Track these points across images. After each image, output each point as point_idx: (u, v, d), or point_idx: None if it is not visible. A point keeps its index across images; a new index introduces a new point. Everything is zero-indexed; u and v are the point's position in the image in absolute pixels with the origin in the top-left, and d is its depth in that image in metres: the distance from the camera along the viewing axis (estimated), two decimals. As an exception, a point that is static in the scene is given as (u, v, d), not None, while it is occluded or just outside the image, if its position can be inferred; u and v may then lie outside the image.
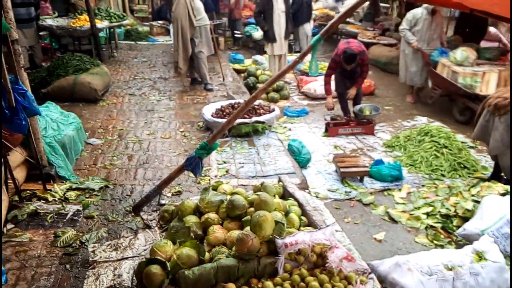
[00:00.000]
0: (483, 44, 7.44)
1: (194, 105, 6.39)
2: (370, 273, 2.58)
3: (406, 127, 5.92)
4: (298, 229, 3.00)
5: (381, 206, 3.94)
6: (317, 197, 4.04)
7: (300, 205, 3.31)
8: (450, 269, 2.76)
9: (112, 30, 9.85)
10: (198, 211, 3.08)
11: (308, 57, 3.08)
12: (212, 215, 2.98)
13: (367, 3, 12.16)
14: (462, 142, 5.02)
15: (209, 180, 4.01)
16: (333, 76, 5.83)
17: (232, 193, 3.20)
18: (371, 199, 4.04)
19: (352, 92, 5.74)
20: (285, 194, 3.53)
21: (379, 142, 5.43)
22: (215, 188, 3.36)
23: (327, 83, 5.76)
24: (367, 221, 3.73)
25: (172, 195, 3.72)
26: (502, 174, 4.24)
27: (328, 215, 3.55)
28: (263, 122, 5.18)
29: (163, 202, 3.51)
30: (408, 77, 7.06)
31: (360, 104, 5.82)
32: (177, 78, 7.67)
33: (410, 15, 6.70)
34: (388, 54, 9.10)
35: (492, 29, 7.90)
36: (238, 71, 8.68)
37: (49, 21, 7.92)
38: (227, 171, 4.22)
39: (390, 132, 5.73)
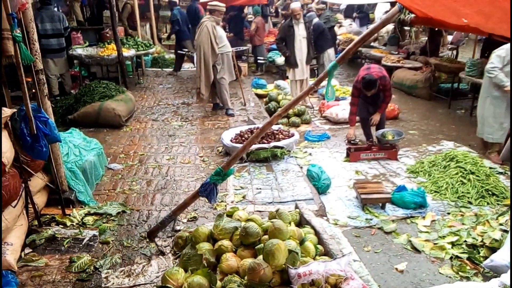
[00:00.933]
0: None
1: (215, 130, 6.45)
2: (387, 307, 2.45)
3: (431, 152, 5.74)
4: (314, 258, 2.91)
5: (403, 234, 3.78)
6: (336, 224, 3.93)
7: (317, 233, 3.23)
8: (476, 304, 2.59)
9: (139, 58, 10.19)
10: (212, 238, 3.06)
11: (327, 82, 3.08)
12: (226, 242, 2.94)
13: (391, 27, 12.14)
14: (490, 168, 4.81)
15: (226, 205, 3.99)
16: None
17: (247, 220, 3.16)
18: (393, 227, 3.89)
19: (376, 118, 5.68)
20: (302, 221, 3.45)
21: (402, 167, 5.27)
22: (230, 214, 3.33)
23: (351, 113, 5.73)
24: (388, 250, 3.58)
25: (188, 221, 3.71)
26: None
27: (346, 244, 3.43)
28: (282, 147, 5.15)
29: (178, 228, 3.50)
30: (489, 131, 5.52)
31: (383, 129, 5.71)
32: (199, 103, 7.80)
33: (502, 51, 5.01)
34: (413, 77, 8.96)
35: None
36: (260, 96, 8.75)
37: (79, 51, 8.29)
38: (244, 197, 4.18)
39: (414, 157, 5.57)
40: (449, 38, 11.51)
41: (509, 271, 2.86)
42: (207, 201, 3.22)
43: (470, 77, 7.12)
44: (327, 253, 3.02)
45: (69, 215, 3.64)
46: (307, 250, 2.95)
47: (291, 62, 7.72)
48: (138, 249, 3.26)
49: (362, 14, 15.79)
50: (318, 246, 3.09)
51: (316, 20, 9.26)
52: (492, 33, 1.85)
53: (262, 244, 2.78)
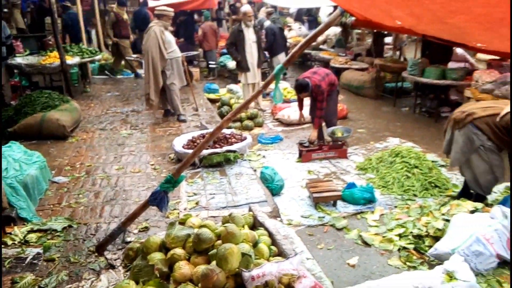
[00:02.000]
0: (451, 65, 7.68)
1: (167, 137, 6.34)
2: (339, 302, 2.51)
3: (378, 149, 5.98)
4: (268, 260, 2.93)
5: (354, 230, 3.90)
6: (290, 224, 3.99)
7: (270, 235, 3.25)
8: (422, 292, 2.72)
9: (84, 65, 9.82)
10: (164, 247, 2.99)
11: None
12: (179, 251, 2.89)
13: (339, 30, 12.55)
14: (432, 161, 5.07)
15: (178, 213, 3.92)
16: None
17: (200, 226, 3.12)
18: (344, 223, 4.00)
19: (313, 134, 5.72)
20: (256, 224, 3.46)
21: (352, 165, 5.45)
22: (183, 222, 3.27)
23: (317, 116, 5.73)
24: (340, 246, 3.68)
25: (139, 231, 3.61)
26: (472, 191, 4.28)
27: (299, 243, 3.48)
28: (235, 151, 5.16)
29: (128, 239, 3.39)
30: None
31: (333, 127, 5.87)
32: (149, 110, 7.63)
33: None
34: (360, 78, 9.30)
35: (459, 50, 8.18)
36: (213, 101, 8.72)
37: (18, 60, 7.86)
38: (197, 203, 4.13)
39: (363, 155, 5.77)
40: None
41: (451, 257, 3.03)
42: (158, 210, 3.15)
43: (412, 76, 7.51)
44: (281, 254, 3.05)
45: (10, 233, 3.42)
46: (261, 252, 2.96)
47: (242, 66, 7.76)
48: (86, 265, 3.12)
49: (311, 18, 16.21)
50: (272, 247, 3.11)
51: (268, 23, 9.40)
52: (424, 34, 1.95)
53: (215, 250, 2.76)
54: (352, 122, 7.33)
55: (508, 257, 3.18)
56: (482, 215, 3.46)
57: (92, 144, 6.02)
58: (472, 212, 3.62)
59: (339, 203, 4.36)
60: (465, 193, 4.23)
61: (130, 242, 3.31)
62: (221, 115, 7.34)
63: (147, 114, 7.67)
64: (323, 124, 5.95)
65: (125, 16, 10.81)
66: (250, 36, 7.70)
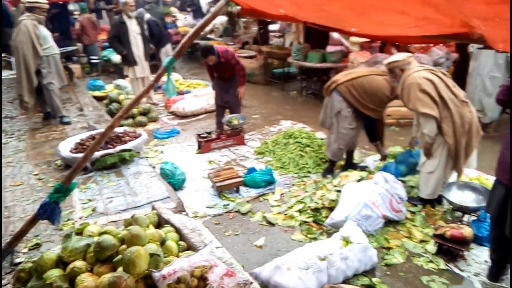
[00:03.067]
0: (329, 48, 8.32)
1: (50, 142, 5.76)
2: (251, 283, 2.60)
3: (273, 132, 6.25)
4: (177, 256, 2.89)
5: (258, 212, 4.06)
6: (196, 216, 3.98)
7: (177, 230, 3.20)
8: (323, 259, 2.96)
9: None
10: (62, 262, 2.75)
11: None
12: (79, 263, 2.68)
13: (226, 19, 12.66)
14: (321, 139, 5.49)
15: (74, 223, 3.63)
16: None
17: (101, 234, 2.93)
18: (248, 208, 4.14)
19: (241, 91, 5.93)
20: (161, 222, 3.38)
21: (250, 150, 5.62)
22: (79, 232, 3.04)
23: (211, 78, 6.10)
24: (247, 229, 3.80)
25: (30, 250, 3.26)
26: (355, 162, 4.77)
27: (207, 233, 3.50)
28: (130, 150, 4.92)
29: (18, 260, 3.04)
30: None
31: (229, 115, 5.97)
32: (25, 115, 6.84)
33: None
34: (249, 65, 9.50)
35: (334, 35, 8.86)
36: (99, 99, 8.15)
37: None
38: (94, 210, 3.87)
39: (259, 140, 5.98)
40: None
41: (345, 224, 3.34)
42: (49, 223, 2.87)
43: (297, 61, 7.96)
44: (190, 247, 3.03)
45: None
46: (170, 249, 2.90)
47: (129, 60, 7.36)
48: (-32, 298, 2.73)
49: (195, 7, 16.03)
50: (181, 242, 3.07)
51: (148, 16, 9.06)
52: (305, 20, 2.07)
53: (120, 255, 2.63)
54: (247, 109, 7.52)
55: (392, 216, 3.63)
56: (367, 182, 3.87)
57: (-43, 160, 5.20)
58: (359, 181, 4.03)
59: (242, 188, 4.48)
60: (350, 164, 4.69)
61: (20, 263, 2.97)
62: (111, 113, 6.92)
63: (23, 119, 6.86)
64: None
65: None
66: (133, 27, 7.32)
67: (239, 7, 2.97)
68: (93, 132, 5.37)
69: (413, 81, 3.50)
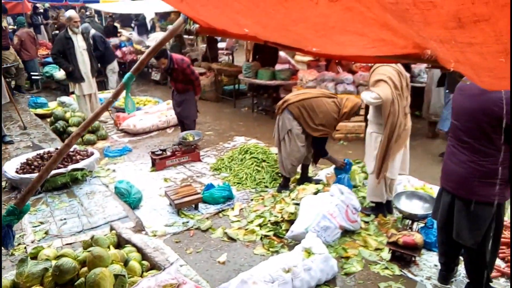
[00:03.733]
0: (277, 67, 8.58)
1: (-9, 163, 5.38)
2: (220, 299, 2.61)
3: (227, 148, 6.31)
4: (141, 276, 2.83)
5: (219, 228, 4.06)
6: (155, 235, 3.90)
7: (139, 250, 3.14)
8: (288, 271, 3.03)
9: None
10: (16, 290, 2.59)
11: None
12: (36, 289, 2.54)
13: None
14: (276, 154, 5.60)
15: (25, 247, 3.41)
16: None
17: (58, 257, 2.81)
18: (208, 224, 4.13)
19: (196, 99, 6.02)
20: (121, 242, 3.29)
21: (206, 167, 5.62)
22: (34, 256, 2.89)
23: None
24: (208, 246, 3.79)
25: (-23, 279, 3.01)
26: (310, 175, 4.95)
27: (170, 252, 3.46)
28: (82, 169, 4.73)
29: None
30: None
31: (184, 132, 5.94)
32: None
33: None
34: (200, 82, 9.55)
35: (281, 54, 9.18)
36: (42, 116, 7.74)
37: None
38: (46, 233, 3.66)
39: (215, 156, 6.01)
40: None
41: (306, 236, 3.45)
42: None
43: (248, 78, 8.13)
44: (154, 267, 2.98)
45: None
46: (133, 270, 2.84)
47: (75, 76, 7.09)
48: None
49: (139, 22, 15.87)
50: (144, 262, 3.01)
51: (93, 31, 8.84)
52: (267, 40, 2.17)
53: (82, 278, 2.54)
54: (199, 125, 7.50)
55: (348, 226, 3.80)
56: (323, 194, 4.03)
57: None
58: (316, 193, 4.18)
59: (201, 205, 4.46)
60: (305, 178, 4.85)
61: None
62: (57, 131, 6.60)
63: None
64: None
65: None
66: (79, 43, 7.09)
67: (197, 25, 3.03)
68: (40, 152, 5.08)
69: (384, 71, 3.75)
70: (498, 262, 3.30)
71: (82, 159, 4.92)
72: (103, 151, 6.10)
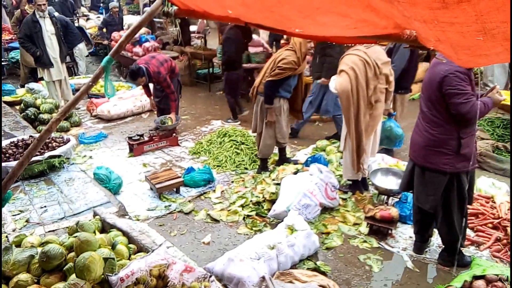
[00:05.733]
0: (251, 49, 8.57)
1: (-40, 153, 5.18)
2: (210, 276, 2.69)
3: (205, 132, 6.32)
4: (129, 259, 2.86)
5: (201, 210, 4.13)
6: (138, 220, 3.92)
7: (125, 234, 3.15)
8: (273, 248, 3.14)
9: None
10: (3, 277, 2.56)
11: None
12: (23, 276, 2.53)
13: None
14: (254, 136, 5.69)
15: (7, 236, 3.36)
16: None
17: (43, 244, 2.79)
18: (191, 207, 4.18)
19: (172, 117, 5.81)
20: (105, 227, 3.29)
21: (185, 151, 5.63)
22: (18, 244, 2.85)
23: (148, 95, 6.16)
24: (192, 228, 3.85)
25: (-42, 269, 2.96)
26: (288, 156, 5.05)
27: (156, 234, 3.49)
28: (59, 156, 4.64)
29: None
30: None
31: (160, 117, 5.90)
32: None
33: None
34: (173, 66, 9.43)
35: (255, 37, 9.16)
36: (11, 104, 7.45)
37: None
38: (27, 221, 3.61)
39: (193, 140, 6.01)
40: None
41: (288, 214, 3.56)
42: (-17, 237, 2.66)
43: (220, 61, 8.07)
44: (141, 249, 3.02)
45: None
46: (121, 253, 2.86)
47: (44, 61, 6.86)
48: None
49: (106, 5, 15.37)
50: (130, 245, 3.04)
51: (57, 14, 8.51)
52: (249, 21, 2.20)
53: (71, 263, 2.54)
54: (175, 110, 7.47)
55: (327, 203, 3.95)
56: (303, 174, 4.15)
57: None
58: (295, 173, 4.29)
59: (182, 189, 4.50)
60: (284, 159, 4.95)
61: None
62: (28, 118, 6.39)
63: None
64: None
65: None
66: (48, 27, 6.84)
67: (176, 8, 3.02)
68: (13, 140, 4.93)
69: (348, 61, 3.83)
70: (469, 232, 3.53)
71: (59, 146, 4.83)
72: (78, 137, 5.98)
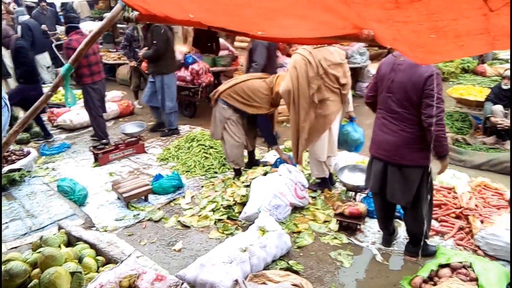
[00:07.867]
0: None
1: None
2: (182, 283, 2.65)
3: (173, 138, 6.23)
4: (97, 272, 2.79)
5: (171, 217, 4.06)
6: (106, 231, 3.82)
7: (93, 246, 3.07)
8: (245, 250, 3.14)
9: None
10: (-40, 301, 2.43)
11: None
12: (-16, 298, 2.42)
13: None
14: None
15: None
16: None
17: (4, 262, 2.67)
18: (160, 214, 4.11)
19: None
20: (71, 240, 3.19)
21: (152, 158, 5.53)
22: (-23, 265, 2.71)
23: None
24: (163, 236, 3.79)
25: None
26: (257, 158, 5.07)
27: (125, 244, 3.41)
28: (19, 169, 4.45)
29: None
30: None
31: (125, 124, 5.78)
32: None
33: None
34: (136, 72, 9.26)
35: (221, 40, 9.14)
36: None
37: None
38: (-13, 239, 3.45)
39: (160, 146, 5.92)
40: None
41: (259, 215, 3.57)
42: None
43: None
44: (110, 261, 2.94)
45: None
46: (88, 266, 2.78)
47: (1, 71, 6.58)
48: None
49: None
50: (98, 258, 2.96)
51: (26, 18, 8.12)
52: (211, 25, 2.20)
53: (35, 280, 2.45)
54: (141, 117, 7.34)
55: (297, 202, 3.99)
56: (273, 175, 4.17)
57: None
58: (265, 174, 4.31)
59: (151, 196, 4.42)
60: (253, 162, 4.96)
61: None
62: (-16, 132, 6.09)
63: None
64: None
65: None
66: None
67: (136, 13, 2.97)
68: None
69: (292, 60, 3.99)
70: (433, 222, 3.65)
71: (19, 159, 4.64)
72: (39, 149, 5.76)
